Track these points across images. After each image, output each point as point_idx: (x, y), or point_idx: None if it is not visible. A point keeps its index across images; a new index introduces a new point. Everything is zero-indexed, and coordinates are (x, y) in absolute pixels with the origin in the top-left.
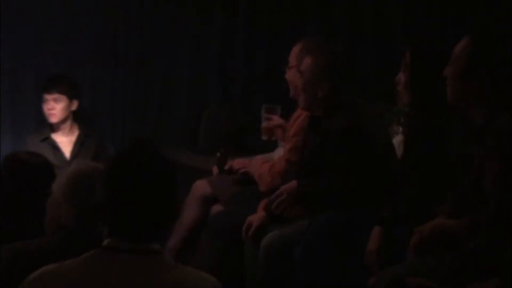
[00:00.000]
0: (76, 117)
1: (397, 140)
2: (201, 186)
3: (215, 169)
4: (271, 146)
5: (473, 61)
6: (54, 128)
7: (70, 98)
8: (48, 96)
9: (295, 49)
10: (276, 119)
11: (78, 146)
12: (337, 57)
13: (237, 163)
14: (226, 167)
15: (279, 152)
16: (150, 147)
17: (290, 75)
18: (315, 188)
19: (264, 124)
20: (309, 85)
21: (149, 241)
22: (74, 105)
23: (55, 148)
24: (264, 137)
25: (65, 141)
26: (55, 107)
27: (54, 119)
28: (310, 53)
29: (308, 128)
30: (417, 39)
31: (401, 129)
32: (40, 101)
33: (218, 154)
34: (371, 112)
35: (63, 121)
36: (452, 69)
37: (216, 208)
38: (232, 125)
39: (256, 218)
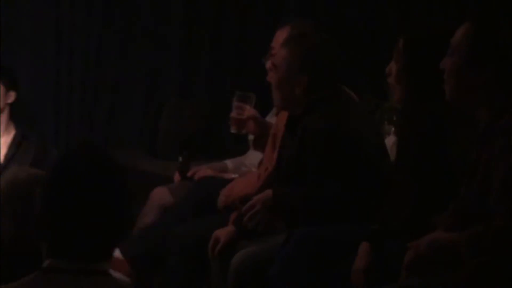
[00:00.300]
0: (13, 115)
1: (389, 141)
2: (160, 195)
3: (176, 176)
4: (243, 148)
5: (476, 50)
6: None
7: (6, 88)
8: None
9: (281, 34)
10: (249, 110)
11: (14, 148)
12: (317, 47)
13: (203, 172)
14: (190, 173)
15: (253, 156)
16: (100, 151)
17: None
18: (294, 198)
19: (234, 114)
20: (284, 81)
21: (98, 260)
22: (11, 98)
23: None
24: (233, 130)
25: None
26: None
27: None
28: (287, 44)
29: (285, 129)
30: (412, 24)
31: (393, 128)
32: None
33: (181, 158)
34: (358, 109)
35: None
36: (451, 61)
37: None
38: (197, 124)
39: (224, 232)
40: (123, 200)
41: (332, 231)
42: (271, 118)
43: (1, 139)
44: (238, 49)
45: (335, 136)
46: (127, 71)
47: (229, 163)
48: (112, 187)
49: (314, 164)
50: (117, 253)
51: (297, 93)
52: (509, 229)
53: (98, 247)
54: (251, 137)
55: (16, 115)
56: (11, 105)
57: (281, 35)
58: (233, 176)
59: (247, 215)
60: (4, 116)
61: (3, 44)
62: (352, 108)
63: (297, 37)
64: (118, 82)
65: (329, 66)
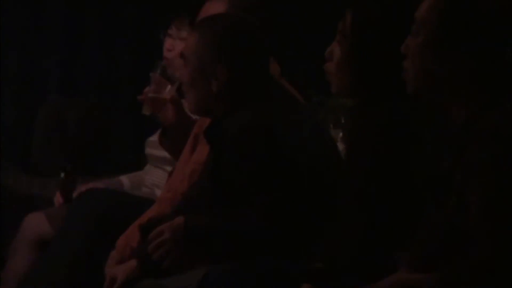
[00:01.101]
0: None
1: None
2: (35, 223)
3: (58, 197)
4: (139, 161)
5: (448, 27)
6: None
7: None
8: None
9: (214, 6)
10: (170, 91)
11: None
12: (237, 29)
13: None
14: (76, 193)
15: (156, 173)
16: None
17: None
18: (209, 228)
19: (151, 89)
20: (198, 75)
21: None
22: None
23: None
24: (145, 110)
25: None
26: None
27: None
28: (197, 27)
29: (204, 138)
30: None
31: (341, 133)
32: None
33: (63, 174)
34: (296, 107)
35: None
36: (415, 42)
37: None
38: (83, 129)
39: (122, 268)
40: None
41: (260, 268)
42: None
43: None
44: (136, 29)
45: (260, 139)
46: None
47: (125, 180)
48: None
49: (233, 179)
50: None
51: (215, 89)
52: (491, 265)
53: None
54: (150, 150)
55: None
56: None
57: (214, 8)
58: None
59: (153, 243)
60: None
61: None
62: (287, 105)
63: (211, 17)
64: None
65: (255, 52)
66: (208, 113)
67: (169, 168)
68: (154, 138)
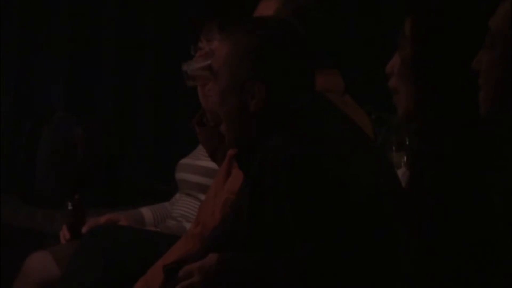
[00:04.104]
0: None
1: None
2: (40, 263)
3: (64, 232)
4: (166, 193)
5: None
6: None
7: None
8: None
9: (268, 5)
10: None
11: None
12: (278, 37)
13: (106, 220)
14: (85, 228)
15: (185, 203)
16: None
17: None
18: (245, 274)
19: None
20: (231, 93)
21: None
22: None
23: None
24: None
25: None
26: None
27: None
28: (230, 35)
29: (238, 166)
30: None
31: (405, 158)
32: None
33: (70, 204)
34: (350, 129)
35: None
36: (490, 56)
37: None
38: (95, 152)
39: None
40: None
41: None
42: None
43: None
44: (152, 42)
45: (304, 173)
46: None
47: (146, 212)
48: None
49: (274, 217)
50: None
51: (252, 109)
52: None
53: None
54: (182, 174)
55: None
56: None
57: (267, 8)
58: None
59: (180, 285)
60: None
61: None
62: (337, 129)
63: (246, 22)
64: None
65: (299, 66)
66: (244, 137)
67: (203, 197)
68: (187, 161)
